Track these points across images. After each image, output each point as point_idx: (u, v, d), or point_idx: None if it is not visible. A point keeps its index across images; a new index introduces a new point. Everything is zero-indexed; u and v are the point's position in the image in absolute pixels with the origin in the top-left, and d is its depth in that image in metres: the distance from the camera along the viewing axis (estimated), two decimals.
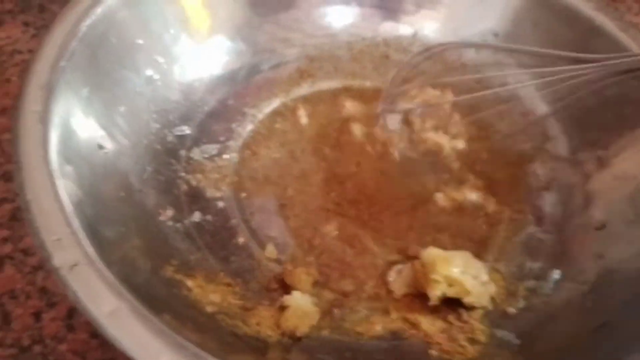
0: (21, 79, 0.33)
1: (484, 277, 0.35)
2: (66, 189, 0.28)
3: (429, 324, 0.33)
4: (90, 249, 0.26)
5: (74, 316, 0.34)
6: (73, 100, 0.32)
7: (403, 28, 0.47)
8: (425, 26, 0.47)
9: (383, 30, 0.47)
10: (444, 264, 0.33)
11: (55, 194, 0.27)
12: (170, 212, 0.36)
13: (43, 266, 0.35)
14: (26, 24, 0.49)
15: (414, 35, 0.47)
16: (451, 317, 0.34)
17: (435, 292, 0.33)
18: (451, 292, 0.34)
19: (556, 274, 0.36)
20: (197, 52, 0.42)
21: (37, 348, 0.33)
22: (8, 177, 0.39)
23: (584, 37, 0.42)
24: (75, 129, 0.32)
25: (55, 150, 0.29)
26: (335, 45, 0.47)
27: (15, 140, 0.28)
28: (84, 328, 0.33)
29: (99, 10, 0.36)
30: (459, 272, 0.34)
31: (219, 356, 0.24)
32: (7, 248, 0.36)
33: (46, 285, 0.35)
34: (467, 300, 0.34)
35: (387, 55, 0.47)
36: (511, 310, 0.34)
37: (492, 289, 0.35)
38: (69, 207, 0.27)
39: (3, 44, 0.47)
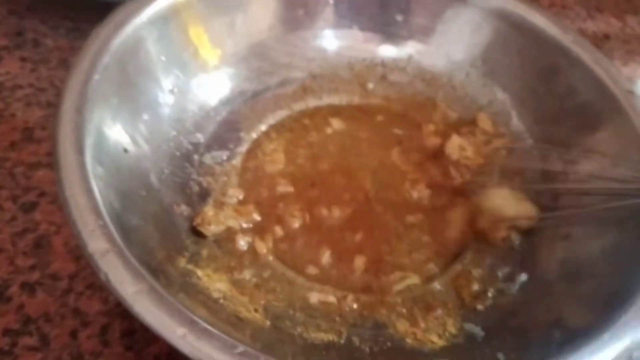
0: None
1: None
2: (98, 187, 0.32)
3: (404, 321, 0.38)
4: (118, 239, 0.30)
5: (107, 332, 0.37)
6: (104, 109, 0.37)
7: (399, 51, 0.52)
8: (419, 50, 0.52)
9: (381, 52, 0.52)
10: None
11: (89, 191, 0.31)
12: (184, 209, 0.40)
13: (73, 289, 0.38)
14: (23, 59, 0.51)
15: (409, 58, 0.52)
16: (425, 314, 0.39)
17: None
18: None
19: (523, 277, 0.40)
20: (211, 72, 0.47)
21: None
22: (27, 209, 0.41)
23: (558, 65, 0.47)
24: (106, 135, 0.36)
25: (89, 154, 0.33)
26: (337, 64, 0.51)
27: (55, 146, 0.33)
28: (119, 342, 0.36)
29: (129, 28, 0.40)
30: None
31: (225, 332, 0.28)
32: (36, 275, 0.39)
33: (78, 305, 0.38)
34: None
35: (384, 76, 0.52)
36: (480, 307, 0.39)
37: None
38: (100, 203, 0.31)
39: (3, 80, 0.49)
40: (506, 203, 0.42)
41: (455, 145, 0.47)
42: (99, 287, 0.38)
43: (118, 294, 0.28)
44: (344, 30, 0.51)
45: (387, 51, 0.52)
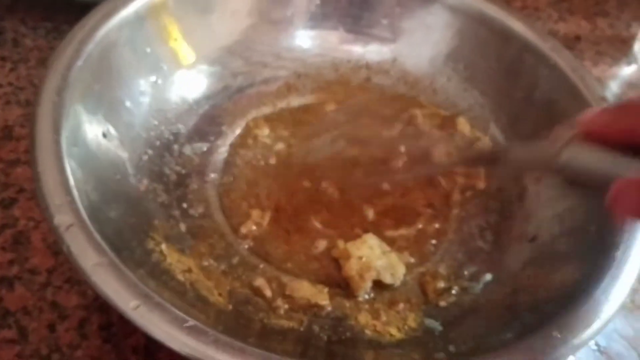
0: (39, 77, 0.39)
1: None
2: (70, 166, 0.33)
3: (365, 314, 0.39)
4: (84, 214, 0.31)
5: (85, 325, 0.37)
6: (85, 94, 0.38)
7: (384, 54, 0.53)
8: (403, 53, 0.53)
9: (366, 54, 0.53)
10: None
11: (61, 168, 0.32)
12: (159, 196, 0.41)
13: (51, 283, 0.39)
14: (3, 59, 0.53)
15: (394, 61, 0.53)
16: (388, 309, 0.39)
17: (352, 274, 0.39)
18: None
19: (488, 277, 0.41)
20: (196, 66, 0.48)
21: (55, 356, 0.36)
22: (6, 204, 0.42)
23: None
24: (85, 119, 0.38)
25: (65, 135, 0.34)
26: (322, 65, 0.52)
27: (33, 123, 0.34)
28: (97, 335, 0.37)
29: (114, 20, 0.41)
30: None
31: (181, 310, 0.29)
32: (15, 269, 0.39)
33: (56, 299, 0.38)
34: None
35: (368, 78, 0.53)
36: (442, 303, 0.40)
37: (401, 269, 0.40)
38: (70, 179, 0.32)
39: None
40: (374, 254, 0.40)
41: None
42: (77, 281, 0.39)
43: (78, 265, 0.29)
44: (330, 31, 0.53)
45: (372, 53, 0.53)
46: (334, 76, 0.52)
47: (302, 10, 0.52)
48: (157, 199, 0.41)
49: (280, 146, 0.47)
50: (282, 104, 0.50)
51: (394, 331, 0.37)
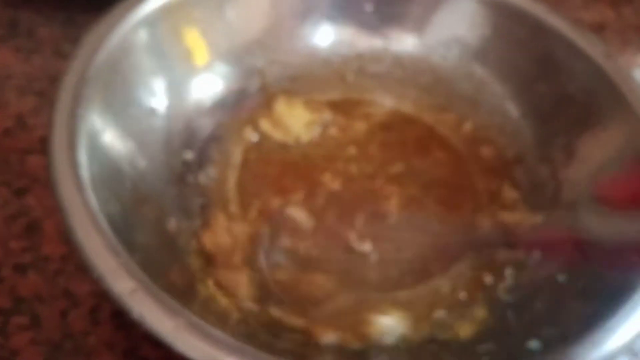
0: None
1: None
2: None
3: None
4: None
5: (97, 312, 0.38)
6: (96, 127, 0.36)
7: (375, 42, 0.51)
8: (394, 38, 0.51)
9: (358, 45, 0.51)
10: None
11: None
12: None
13: (64, 270, 0.39)
14: (17, 49, 0.52)
15: (386, 48, 0.51)
16: None
17: None
18: None
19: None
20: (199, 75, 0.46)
21: (67, 342, 0.36)
22: (21, 193, 0.42)
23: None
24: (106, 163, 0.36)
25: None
26: (315, 62, 0.50)
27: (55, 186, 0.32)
28: (109, 322, 0.37)
29: (119, 32, 0.39)
30: None
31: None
32: (28, 257, 0.40)
33: (69, 286, 0.39)
34: None
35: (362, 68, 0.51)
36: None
37: None
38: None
39: None
40: None
41: None
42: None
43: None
44: (352, 27, 0.51)
45: (363, 43, 0.51)
46: (328, 71, 0.50)
47: (322, 5, 0.50)
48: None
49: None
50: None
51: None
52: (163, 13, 0.42)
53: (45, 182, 0.41)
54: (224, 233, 0.40)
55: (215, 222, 0.41)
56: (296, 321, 0.37)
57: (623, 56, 0.61)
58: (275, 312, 0.37)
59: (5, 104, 0.48)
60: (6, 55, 0.52)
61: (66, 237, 0.38)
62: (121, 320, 0.37)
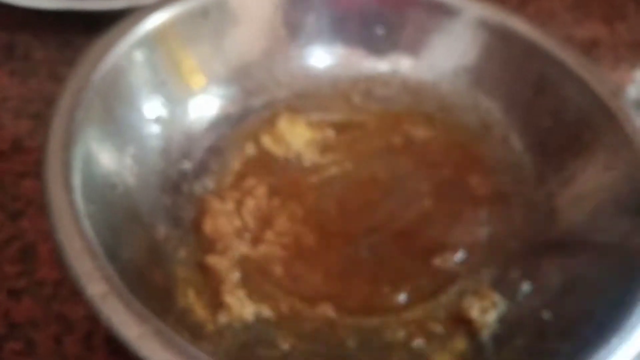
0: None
1: None
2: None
3: None
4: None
5: (92, 337, 0.37)
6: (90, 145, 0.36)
7: (383, 65, 0.51)
8: (402, 63, 0.51)
9: (365, 67, 0.51)
10: None
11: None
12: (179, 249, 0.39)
13: (58, 295, 0.39)
14: (13, 72, 0.53)
15: (394, 73, 0.51)
16: None
17: None
18: None
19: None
20: (196, 96, 0.46)
21: None
22: (15, 216, 0.42)
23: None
24: (94, 172, 0.36)
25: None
26: (321, 83, 0.50)
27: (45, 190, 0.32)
28: (103, 347, 0.37)
29: (109, 59, 0.39)
30: None
31: None
32: (23, 282, 0.39)
33: (63, 311, 0.38)
34: None
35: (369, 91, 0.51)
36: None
37: None
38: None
39: None
40: None
41: None
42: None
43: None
44: (347, 49, 0.51)
45: (371, 66, 0.51)
46: (333, 92, 0.50)
47: (316, 28, 0.50)
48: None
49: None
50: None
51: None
52: (158, 36, 0.43)
53: (40, 206, 0.41)
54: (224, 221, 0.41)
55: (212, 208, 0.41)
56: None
57: (616, 73, 0.61)
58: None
59: (1, 127, 0.48)
60: (2, 78, 0.52)
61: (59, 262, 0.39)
62: (115, 345, 0.35)
